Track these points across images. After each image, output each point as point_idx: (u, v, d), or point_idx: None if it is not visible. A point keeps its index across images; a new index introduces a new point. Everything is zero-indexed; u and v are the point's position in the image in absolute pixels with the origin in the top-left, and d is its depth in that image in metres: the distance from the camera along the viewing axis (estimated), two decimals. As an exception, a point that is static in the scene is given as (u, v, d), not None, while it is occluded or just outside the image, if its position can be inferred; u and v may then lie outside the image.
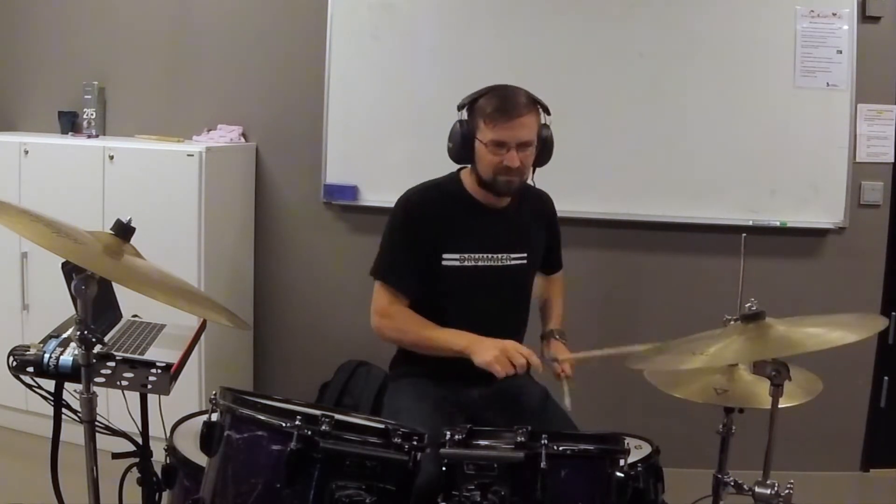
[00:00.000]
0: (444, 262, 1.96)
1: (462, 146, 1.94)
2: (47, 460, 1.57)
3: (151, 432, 1.81)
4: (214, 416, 1.41)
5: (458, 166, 2.04)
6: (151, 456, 1.79)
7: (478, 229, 1.99)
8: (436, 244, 1.96)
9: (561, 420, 1.94)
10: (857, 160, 3.01)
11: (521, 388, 2.04)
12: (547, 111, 1.96)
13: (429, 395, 1.96)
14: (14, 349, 1.53)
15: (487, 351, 1.78)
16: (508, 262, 2.02)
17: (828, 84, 2.97)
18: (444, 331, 1.91)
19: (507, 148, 1.87)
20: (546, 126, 1.96)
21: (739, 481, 1.64)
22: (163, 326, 1.93)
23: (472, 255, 1.98)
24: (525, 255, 2.06)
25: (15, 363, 1.52)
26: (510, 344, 1.81)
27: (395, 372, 2.12)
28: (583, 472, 1.42)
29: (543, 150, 1.97)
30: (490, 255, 2.00)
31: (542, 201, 2.16)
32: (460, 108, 1.96)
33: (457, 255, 1.97)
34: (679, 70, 3.01)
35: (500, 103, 1.87)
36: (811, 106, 2.98)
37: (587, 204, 3.02)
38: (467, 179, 2.03)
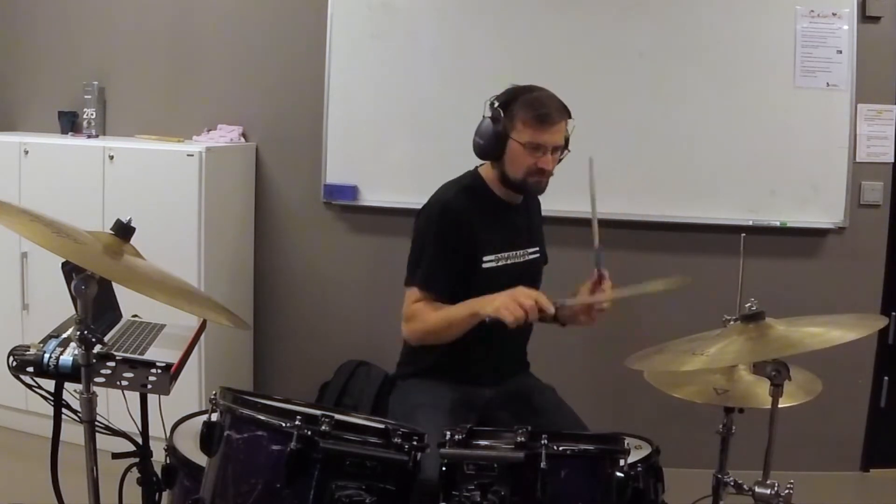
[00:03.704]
0: (483, 265, 1.95)
1: (494, 144, 1.91)
2: (47, 460, 1.57)
3: (151, 432, 1.80)
4: (214, 416, 1.40)
5: (476, 164, 2.04)
6: (151, 456, 1.78)
7: (504, 227, 2.00)
8: (475, 248, 1.94)
9: (571, 420, 1.95)
10: (857, 160, 3.01)
11: (532, 388, 2.07)
12: (570, 115, 1.95)
13: (441, 396, 1.95)
14: (14, 349, 1.53)
15: (492, 302, 1.74)
16: (527, 258, 2.06)
17: (828, 84, 2.97)
18: (453, 306, 1.85)
19: (544, 151, 1.88)
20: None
21: (739, 481, 1.64)
22: (163, 326, 1.92)
23: (504, 254, 1.99)
24: (537, 248, 2.10)
25: (15, 363, 1.51)
26: (517, 289, 1.76)
27: (403, 371, 2.11)
28: (583, 472, 1.41)
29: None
30: (515, 252, 2.02)
31: (535, 197, 2.16)
32: (493, 105, 1.92)
33: (493, 256, 1.97)
34: (679, 70, 3.01)
35: (541, 108, 1.87)
36: (811, 106, 2.98)
37: (587, 204, 3.00)
38: (488, 175, 2.02)
